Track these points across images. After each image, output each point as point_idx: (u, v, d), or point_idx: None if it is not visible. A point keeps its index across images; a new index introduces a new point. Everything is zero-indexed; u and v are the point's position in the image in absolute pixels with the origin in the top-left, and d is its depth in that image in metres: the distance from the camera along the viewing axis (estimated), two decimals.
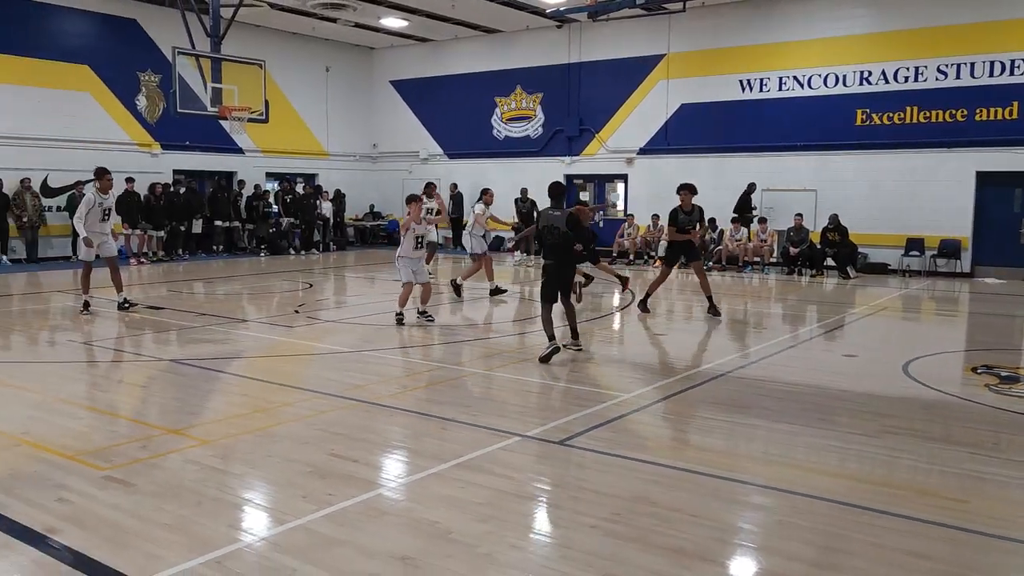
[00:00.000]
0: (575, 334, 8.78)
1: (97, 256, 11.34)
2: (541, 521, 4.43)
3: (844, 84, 18.43)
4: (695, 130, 20.39)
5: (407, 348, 9.30)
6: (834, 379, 7.76)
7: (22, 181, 18.01)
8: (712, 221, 18.93)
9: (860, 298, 14.39)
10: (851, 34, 18.28)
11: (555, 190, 8.74)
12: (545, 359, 8.22)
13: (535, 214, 17.19)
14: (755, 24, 19.41)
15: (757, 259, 18.65)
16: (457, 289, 13.29)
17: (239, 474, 5.00)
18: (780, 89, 19.22)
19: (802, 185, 18.83)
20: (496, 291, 13.46)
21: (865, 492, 4.75)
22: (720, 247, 18.96)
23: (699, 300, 12.24)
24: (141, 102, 20.41)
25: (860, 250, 17.86)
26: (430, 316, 10.73)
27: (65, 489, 4.64)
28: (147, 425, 6.08)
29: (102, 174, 11.27)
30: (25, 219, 18.03)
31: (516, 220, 20.47)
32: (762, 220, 18.82)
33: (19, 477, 4.84)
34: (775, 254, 18.81)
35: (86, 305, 11.22)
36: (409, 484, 4.88)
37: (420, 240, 10.69)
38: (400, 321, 10.40)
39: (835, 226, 17.66)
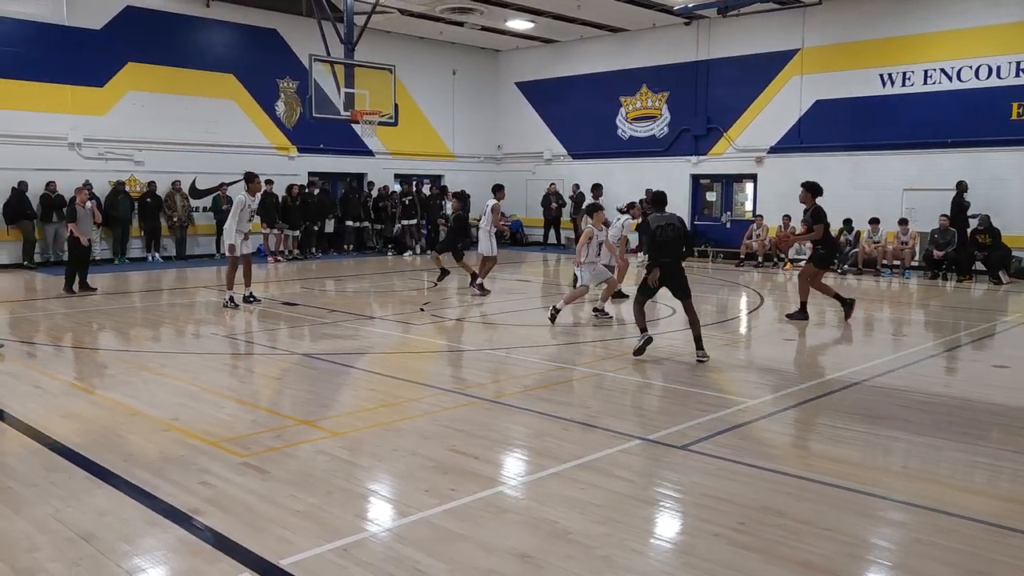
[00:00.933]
0: (699, 343, 8.42)
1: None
2: (662, 526, 4.34)
3: (998, 76, 17.16)
4: (830, 128, 19.50)
5: (528, 347, 9.35)
6: (983, 391, 7.24)
7: (173, 183, 19.30)
8: (848, 222, 18.09)
9: (1013, 305, 13.38)
10: (1007, 22, 17.00)
11: (660, 198, 9.20)
12: (639, 351, 8.32)
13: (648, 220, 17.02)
14: (898, 15, 18.38)
15: (897, 262, 17.66)
16: (599, 312, 11.62)
17: (366, 466, 5.16)
18: (925, 83, 18.12)
19: (948, 184, 17.67)
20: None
21: (1018, 513, 4.40)
22: (856, 249, 18.07)
23: (831, 304, 11.70)
24: (280, 108, 21.46)
25: (1015, 254, 16.59)
26: (607, 314, 11.17)
27: (208, 473, 4.93)
28: (282, 416, 6.38)
29: (252, 178, 12.07)
30: (175, 219, 19.32)
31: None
32: (903, 221, 17.80)
33: (168, 460, 5.18)
34: (917, 257, 17.76)
35: (232, 300, 11.93)
36: (529, 483, 4.89)
37: (600, 246, 10.98)
38: (554, 317, 10.66)
39: (986, 228, 16.49)
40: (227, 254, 12.23)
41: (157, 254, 19.20)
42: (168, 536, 4.06)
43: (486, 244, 13.77)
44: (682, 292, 8.53)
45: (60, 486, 4.71)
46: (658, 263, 8.45)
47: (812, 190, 10.95)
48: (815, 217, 10.82)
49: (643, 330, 8.46)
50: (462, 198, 17.44)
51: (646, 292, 8.54)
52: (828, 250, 11.16)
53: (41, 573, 3.64)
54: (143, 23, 18.84)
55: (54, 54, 17.59)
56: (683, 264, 8.72)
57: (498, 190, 14.14)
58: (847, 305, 11.04)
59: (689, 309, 8.55)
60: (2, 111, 16.92)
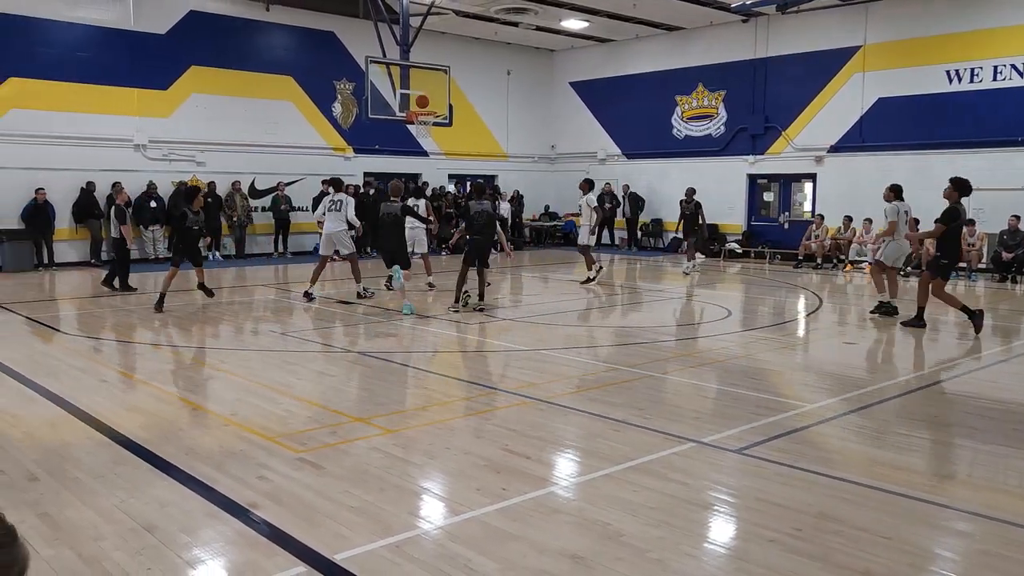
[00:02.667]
0: (481, 296, 11.49)
1: (337, 254, 13.35)
2: (717, 530, 4.28)
3: None
4: (893, 126, 18.99)
5: (581, 348, 9.31)
6: None
7: (233, 184, 19.75)
8: (915, 222, 17.58)
9: None
10: None
11: (480, 189, 12.51)
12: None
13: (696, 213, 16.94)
14: (965, 9, 17.82)
15: (963, 264, 17.11)
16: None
17: (419, 464, 5.20)
18: (995, 79, 17.52)
19: (1019, 183, 17.07)
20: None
21: None
22: (920, 251, 17.54)
23: (896, 307, 11.40)
24: (336, 109, 21.78)
25: None
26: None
27: (265, 468, 5.02)
28: (336, 412, 6.46)
29: (341, 183, 13.28)
30: (235, 218, 19.75)
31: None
32: (970, 222, 17.23)
33: (227, 454, 5.29)
34: (984, 259, 17.20)
35: (366, 291, 12.74)
36: (581, 484, 4.87)
37: None
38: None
39: None
40: (344, 255, 12.98)
41: (217, 253, 19.66)
42: (226, 528, 4.15)
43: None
44: (482, 263, 11.40)
45: (125, 477, 4.85)
46: (471, 239, 11.26)
47: (959, 187, 10.05)
48: (943, 215, 9.94)
49: (456, 300, 11.36)
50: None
51: (467, 262, 11.33)
52: (950, 259, 10.10)
53: (106, 561, 3.75)
54: (205, 27, 19.32)
55: (121, 58, 18.15)
56: (490, 243, 11.55)
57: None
58: (975, 316, 9.90)
59: (481, 273, 11.40)
60: (72, 114, 17.52)
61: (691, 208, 16.96)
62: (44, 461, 5.14)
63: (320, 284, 12.92)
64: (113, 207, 13.80)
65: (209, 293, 12.08)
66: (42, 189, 16.88)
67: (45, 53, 17.23)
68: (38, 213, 16.92)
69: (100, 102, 17.90)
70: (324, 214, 12.71)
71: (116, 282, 13.49)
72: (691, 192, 17.21)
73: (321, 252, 13.00)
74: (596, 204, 15.27)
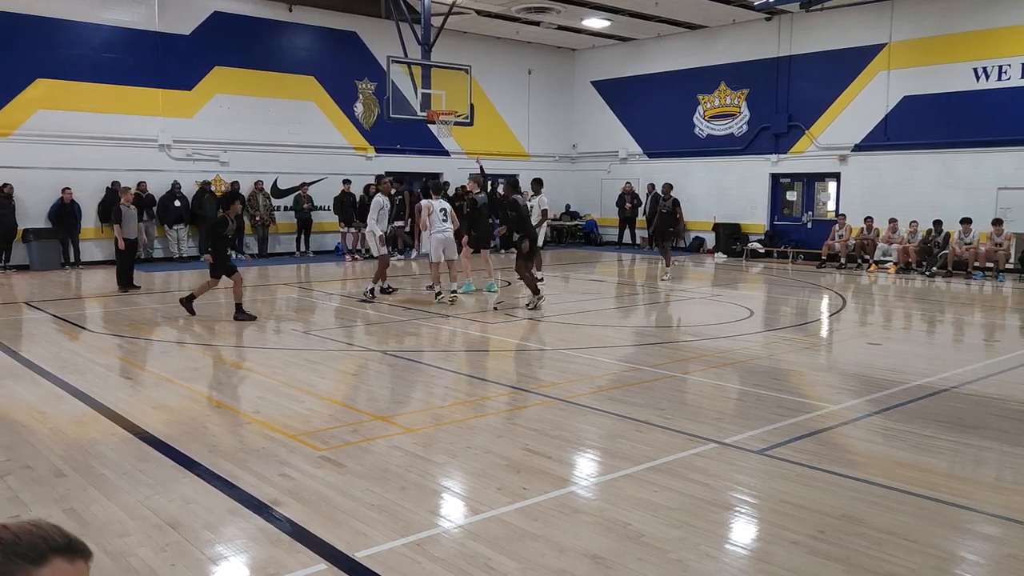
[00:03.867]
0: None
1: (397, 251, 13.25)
2: (738, 532, 4.25)
3: None
4: (919, 124, 18.76)
5: (602, 348, 9.29)
6: None
7: (255, 183, 19.88)
8: (938, 224, 17.40)
9: None
10: None
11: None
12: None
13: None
14: (994, 5, 17.55)
15: (990, 265, 16.89)
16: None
17: (440, 463, 5.22)
18: (1023, 76, 17.27)
19: None
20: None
21: None
22: (946, 251, 17.35)
23: (922, 308, 11.26)
24: (358, 109, 21.88)
25: None
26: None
27: (288, 466, 5.05)
28: (358, 411, 6.50)
29: (381, 180, 13.35)
30: (258, 218, 19.89)
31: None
32: (997, 222, 17.02)
33: (249, 452, 5.33)
34: (1012, 259, 16.95)
35: (372, 292, 12.60)
36: (601, 484, 4.86)
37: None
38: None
39: None
40: (376, 254, 12.93)
41: (240, 252, 19.79)
42: (249, 525, 4.18)
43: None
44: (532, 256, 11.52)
45: (149, 474, 4.90)
46: (522, 235, 11.33)
47: None
48: None
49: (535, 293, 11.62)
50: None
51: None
52: None
53: (131, 557, 3.79)
54: (229, 28, 19.47)
55: (146, 59, 18.34)
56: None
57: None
58: None
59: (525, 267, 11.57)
60: (98, 114, 17.73)
61: (668, 206, 15.50)
62: (71, 457, 5.21)
63: (341, 283, 12.97)
64: (112, 208, 13.96)
65: (248, 317, 10.82)
66: (68, 189, 17.11)
67: (71, 54, 17.46)
68: (65, 212, 17.14)
69: (125, 102, 18.10)
70: (388, 222, 13.00)
71: (123, 281, 13.63)
72: (668, 188, 15.93)
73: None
74: (547, 206, 14.80)
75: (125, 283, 13.63)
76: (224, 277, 10.83)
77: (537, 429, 5.88)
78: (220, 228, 10.84)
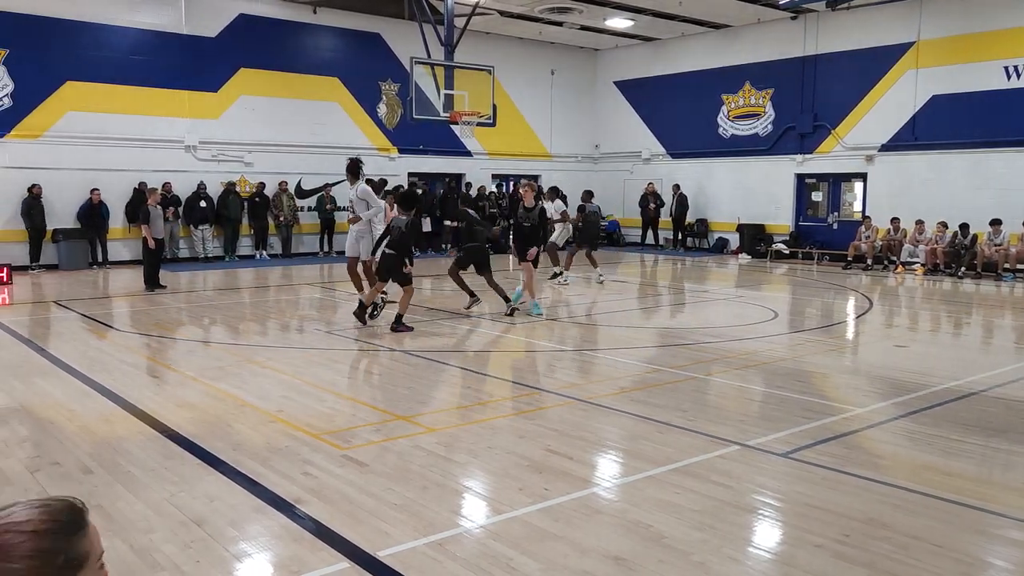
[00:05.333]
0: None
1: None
2: (762, 535, 4.22)
3: None
4: (948, 124, 18.50)
5: (625, 349, 9.26)
6: None
7: (280, 184, 20.04)
8: (964, 226, 17.16)
9: None
10: None
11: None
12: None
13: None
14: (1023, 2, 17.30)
15: (1020, 266, 16.64)
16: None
17: (461, 462, 5.22)
18: None
19: None
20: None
21: None
22: (974, 250, 17.10)
23: (949, 310, 11.11)
24: (382, 110, 21.98)
25: None
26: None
27: (311, 465, 5.09)
28: (380, 411, 6.52)
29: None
30: (282, 218, 20.05)
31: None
32: (996, 222, 16.75)
33: (273, 450, 5.37)
34: None
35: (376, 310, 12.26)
36: (623, 485, 4.84)
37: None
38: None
39: None
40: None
41: (264, 252, 19.97)
42: (272, 523, 4.22)
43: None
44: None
45: (174, 472, 4.96)
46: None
47: None
48: None
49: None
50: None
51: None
52: None
53: (156, 553, 3.84)
54: (254, 30, 19.64)
55: (172, 61, 18.54)
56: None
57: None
58: None
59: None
60: (126, 116, 17.95)
61: (593, 217, 15.47)
62: (98, 454, 5.28)
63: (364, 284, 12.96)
64: (140, 208, 14.11)
65: (406, 328, 10.00)
66: (97, 189, 17.34)
67: (100, 57, 17.69)
68: (93, 213, 17.38)
69: (153, 104, 18.32)
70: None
71: (150, 281, 13.78)
72: (589, 195, 15.82)
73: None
74: (563, 211, 15.37)
75: (152, 283, 13.79)
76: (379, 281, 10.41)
77: (559, 430, 5.87)
78: (417, 231, 10.35)
